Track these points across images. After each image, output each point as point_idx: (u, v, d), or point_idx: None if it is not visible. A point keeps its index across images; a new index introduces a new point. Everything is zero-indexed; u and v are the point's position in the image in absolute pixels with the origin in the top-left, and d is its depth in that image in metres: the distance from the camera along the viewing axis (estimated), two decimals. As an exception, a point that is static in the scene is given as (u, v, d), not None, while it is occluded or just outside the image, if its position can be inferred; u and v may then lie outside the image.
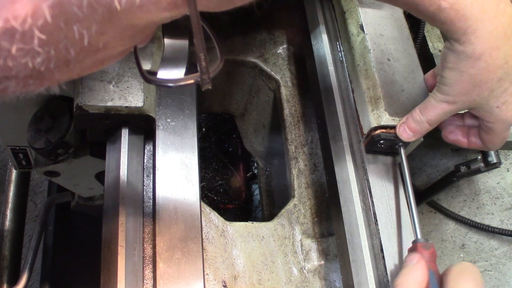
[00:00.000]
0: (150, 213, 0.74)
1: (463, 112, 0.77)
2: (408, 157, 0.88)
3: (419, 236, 0.68)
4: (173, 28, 0.44)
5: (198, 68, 0.37)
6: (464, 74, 0.64)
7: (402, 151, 0.75)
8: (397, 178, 0.78)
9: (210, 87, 0.38)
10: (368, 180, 0.77)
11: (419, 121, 0.71)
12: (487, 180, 1.08)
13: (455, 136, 0.76)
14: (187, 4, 0.31)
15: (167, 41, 0.49)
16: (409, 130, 0.72)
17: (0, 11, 0.28)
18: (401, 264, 0.71)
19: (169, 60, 0.48)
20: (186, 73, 0.44)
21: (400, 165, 0.76)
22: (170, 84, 0.45)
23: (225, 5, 0.35)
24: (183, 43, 0.49)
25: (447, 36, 0.64)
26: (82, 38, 0.31)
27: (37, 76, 0.33)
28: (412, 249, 0.67)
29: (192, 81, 0.40)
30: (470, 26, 0.61)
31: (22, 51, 0.30)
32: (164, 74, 0.47)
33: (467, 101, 0.67)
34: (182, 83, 0.42)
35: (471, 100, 0.66)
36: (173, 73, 0.47)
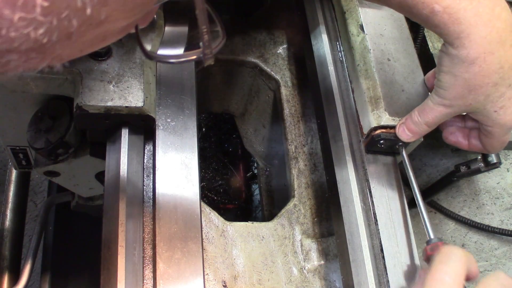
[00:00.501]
0: (150, 213, 0.74)
1: (464, 114, 0.77)
2: (408, 157, 0.88)
3: (432, 236, 0.67)
4: (174, 16, 0.44)
5: (201, 43, 0.36)
6: (458, 78, 0.63)
7: (404, 151, 0.75)
8: (397, 178, 0.79)
9: (212, 63, 0.38)
10: (368, 180, 0.77)
11: (418, 122, 0.71)
12: (487, 180, 1.08)
13: (456, 137, 0.76)
14: None
15: (168, 28, 0.48)
16: (408, 131, 0.72)
17: None
18: (401, 264, 0.71)
19: (168, 41, 0.48)
20: (187, 50, 0.43)
21: (403, 165, 0.76)
22: (172, 60, 0.45)
23: None
24: (183, 28, 0.49)
25: (443, 39, 0.64)
26: (85, 8, 0.31)
27: (39, 49, 0.32)
28: (433, 248, 0.66)
29: (194, 56, 0.40)
30: (463, 31, 0.60)
31: (24, 21, 0.29)
32: (164, 51, 0.47)
33: (463, 105, 0.66)
34: (184, 59, 0.42)
35: (467, 104, 0.66)
36: (173, 51, 0.47)
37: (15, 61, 0.32)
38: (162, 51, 0.47)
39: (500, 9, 0.62)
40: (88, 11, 0.31)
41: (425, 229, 0.69)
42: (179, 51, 0.47)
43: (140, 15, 0.38)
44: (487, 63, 0.61)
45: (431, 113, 0.69)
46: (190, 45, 0.48)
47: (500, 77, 0.63)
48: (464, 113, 0.74)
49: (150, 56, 0.45)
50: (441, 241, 0.66)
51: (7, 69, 0.33)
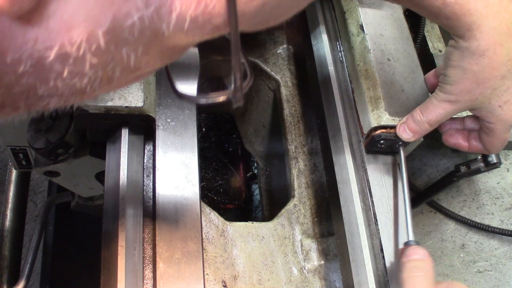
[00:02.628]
0: (150, 213, 0.74)
1: (463, 116, 0.77)
2: (408, 157, 0.88)
3: (411, 238, 0.68)
4: None
5: (233, 86, 0.37)
6: (467, 71, 0.64)
7: (402, 151, 0.75)
8: (397, 178, 0.78)
9: (241, 105, 0.39)
10: (368, 180, 0.77)
11: (420, 121, 0.71)
12: (487, 180, 1.08)
13: (456, 139, 0.76)
14: (229, 27, 0.33)
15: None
16: (409, 130, 0.72)
17: (56, 37, 0.29)
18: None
19: (180, 70, 0.48)
20: (214, 88, 0.44)
21: (399, 166, 0.76)
22: (202, 101, 0.46)
23: (259, 27, 0.36)
24: (193, 51, 0.49)
25: (451, 34, 0.64)
26: (129, 60, 0.32)
27: (80, 93, 0.34)
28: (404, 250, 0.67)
29: (225, 97, 0.41)
30: (474, 22, 0.61)
31: (72, 73, 0.31)
32: (178, 85, 0.47)
33: (469, 100, 0.67)
34: (215, 100, 0.42)
35: (473, 99, 0.66)
36: (187, 85, 0.48)
37: (55, 103, 0.34)
38: (177, 84, 0.47)
39: (508, 2, 0.63)
40: (132, 62, 0.33)
41: (406, 230, 0.70)
42: (193, 82, 0.48)
43: (175, 59, 0.39)
44: (497, 54, 0.62)
45: (434, 110, 0.69)
46: (214, 83, 0.48)
47: (507, 69, 0.64)
48: (464, 115, 0.74)
49: (181, 96, 0.46)
50: (417, 245, 0.67)
51: (45, 109, 0.34)
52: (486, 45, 0.62)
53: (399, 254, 0.69)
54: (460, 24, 0.62)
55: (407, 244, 0.68)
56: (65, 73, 0.30)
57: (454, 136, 0.76)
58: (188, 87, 0.47)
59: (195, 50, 0.48)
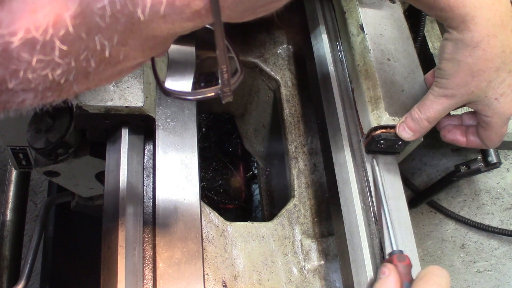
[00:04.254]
0: (150, 213, 0.74)
1: (461, 113, 0.77)
2: (408, 157, 0.88)
3: (394, 248, 0.68)
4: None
5: (220, 80, 0.36)
6: (462, 63, 0.64)
7: (376, 164, 0.76)
8: (397, 178, 0.78)
9: (231, 100, 0.37)
10: (368, 180, 0.77)
11: (418, 119, 0.71)
12: (487, 180, 1.08)
13: (453, 135, 0.76)
14: (211, 14, 0.31)
15: (172, 46, 0.47)
16: (409, 129, 0.72)
17: (20, 20, 0.27)
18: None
19: (176, 68, 0.47)
20: (204, 84, 0.43)
21: (403, 165, 0.76)
22: (189, 97, 0.44)
23: (247, 16, 0.34)
24: (190, 49, 0.47)
25: (446, 26, 0.64)
26: (104, 49, 0.30)
27: (56, 88, 0.32)
28: (388, 261, 0.67)
29: (212, 93, 0.39)
30: (468, 13, 0.61)
31: (42, 63, 0.29)
32: (173, 84, 0.46)
33: (465, 94, 0.66)
34: (202, 96, 0.40)
35: (469, 92, 0.66)
36: (182, 83, 0.46)
37: (31, 100, 0.32)
38: (171, 83, 0.45)
39: None
40: (107, 52, 0.31)
41: (389, 241, 0.70)
42: (188, 80, 0.46)
43: (159, 52, 0.37)
44: (491, 46, 0.62)
45: (432, 107, 0.69)
46: (202, 78, 0.47)
47: (502, 61, 0.64)
48: (461, 112, 0.74)
49: (168, 93, 0.44)
50: (401, 254, 0.67)
51: (23, 107, 0.32)
52: (480, 37, 0.62)
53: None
54: (454, 15, 0.62)
55: (391, 254, 0.67)
56: (34, 62, 0.28)
57: (452, 131, 0.76)
58: (183, 84, 0.46)
59: (192, 49, 0.48)
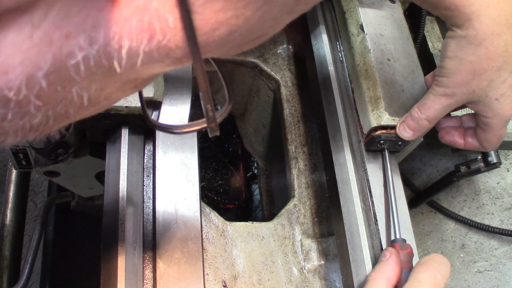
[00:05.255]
0: (150, 213, 0.74)
1: (460, 115, 0.77)
2: (408, 157, 0.88)
3: (397, 236, 0.69)
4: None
5: (205, 118, 0.36)
6: (464, 62, 0.64)
7: (387, 153, 0.75)
8: (397, 178, 0.78)
9: (217, 134, 0.37)
10: (368, 180, 0.77)
11: (418, 118, 0.71)
12: (487, 180, 1.08)
13: (451, 136, 0.76)
14: (192, 60, 0.30)
15: (169, 83, 0.47)
16: (409, 128, 0.72)
17: None
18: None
19: (172, 98, 0.46)
20: (192, 115, 0.43)
21: (403, 165, 0.76)
22: (176, 131, 0.44)
23: (233, 53, 0.34)
24: (187, 74, 0.47)
25: (449, 24, 0.64)
26: (81, 98, 0.30)
27: (36, 130, 0.31)
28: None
29: (199, 127, 0.39)
30: (474, 12, 0.61)
31: (18, 115, 0.29)
32: (167, 116, 0.46)
33: (466, 93, 0.66)
34: (188, 129, 0.40)
35: (470, 91, 0.66)
36: (177, 115, 0.46)
37: (11, 139, 0.31)
38: (166, 114, 0.45)
39: None
40: (85, 100, 0.30)
41: (392, 229, 0.71)
42: (185, 111, 0.46)
43: (141, 88, 0.37)
44: (494, 45, 0.62)
45: (432, 106, 0.69)
46: (195, 113, 0.46)
47: (504, 61, 0.64)
48: (462, 109, 0.73)
49: (154, 125, 0.44)
50: (404, 242, 0.68)
51: (4, 145, 0.32)
52: (484, 35, 0.62)
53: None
54: (459, 14, 0.62)
55: (394, 242, 0.69)
56: (9, 116, 0.28)
57: (450, 133, 0.76)
58: (180, 111, 0.46)
59: (188, 74, 0.47)
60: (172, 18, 0.27)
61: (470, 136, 0.74)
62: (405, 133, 0.73)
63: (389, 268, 0.64)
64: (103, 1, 0.26)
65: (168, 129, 0.44)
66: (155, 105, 0.72)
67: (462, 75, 0.65)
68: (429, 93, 0.70)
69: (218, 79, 0.38)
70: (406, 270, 0.64)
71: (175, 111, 0.45)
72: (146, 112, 0.45)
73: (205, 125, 0.37)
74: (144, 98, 0.70)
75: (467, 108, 0.73)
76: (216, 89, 0.35)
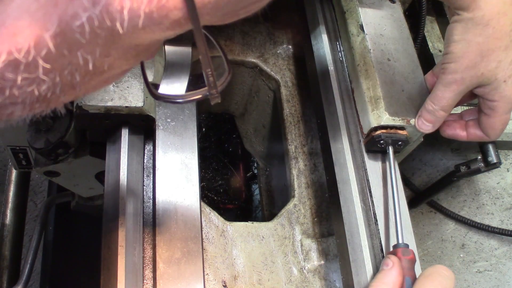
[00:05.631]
0: (150, 213, 0.74)
1: (460, 112, 0.77)
2: (408, 157, 0.88)
3: (400, 241, 0.68)
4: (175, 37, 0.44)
5: (206, 83, 0.36)
6: (471, 43, 0.64)
7: (391, 151, 0.75)
8: (397, 178, 0.78)
9: (219, 101, 0.38)
10: (368, 180, 0.77)
11: (433, 110, 0.71)
12: (487, 180, 1.08)
13: (453, 129, 0.76)
14: (191, 22, 0.31)
15: (168, 48, 0.47)
16: (427, 122, 0.73)
17: (2, 44, 0.28)
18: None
19: (172, 70, 0.47)
20: (194, 86, 0.43)
21: (403, 165, 0.76)
22: (179, 100, 0.44)
23: (228, 19, 0.34)
24: (186, 50, 0.47)
25: (454, 8, 0.65)
26: (87, 63, 0.31)
27: (43, 100, 0.32)
28: (392, 254, 0.67)
29: (200, 95, 0.40)
30: None
31: (27, 80, 0.30)
32: (167, 87, 0.46)
33: (475, 76, 0.66)
34: (191, 98, 0.41)
35: (478, 74, 0.66)
36: (176, 86, 0.46)
37: (19, 111, 0.32)
38: (164, 87, 0.46)
39: None
40: (91, 65, 0.31)
41: (395, 233, 0.70)
42: (183, 83, 0.46)
43: (144, 58, 0.38)
44: (501, 24, 0.63)
45: (443, 96, 0.69)
46: (195, 79, 0.47)
47: (511, 40, 0.64)
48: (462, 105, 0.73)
49: (157, 96, 0.45)
50: (406, 247, 0.67)
51: (12, 118, 0.33)
52: (491, 15, 0.62)
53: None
54: None
55: (396, 247, 0.67)
56: (19, 81, 0.29)
57: (452, 126, 0.76)
58: (178, 87, 0.46)
59: (188, 49, 0.47)
60: None
61: (472, 127, 0.74)
62: (425, 126, 0.73)
63: (392, 278, 0.63)
64: None
65: (171, 99, 0.45)
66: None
67: (470, 57, 0.65)
68: (438, 84, 0.70)
69: (216, 61, 0.39)
70: (408, 277, 0.63)
71: (173, 84, 0.46)
72: (149, 83, 0.46)
73: (207, 92, 0.37)
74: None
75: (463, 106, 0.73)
76: (215, 67, 0.36)
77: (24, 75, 0.29)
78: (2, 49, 0.28)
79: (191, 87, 0.44)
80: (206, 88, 0.37)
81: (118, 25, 0.29)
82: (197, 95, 0.40)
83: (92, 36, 0.29)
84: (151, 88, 0.45)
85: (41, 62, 0.29)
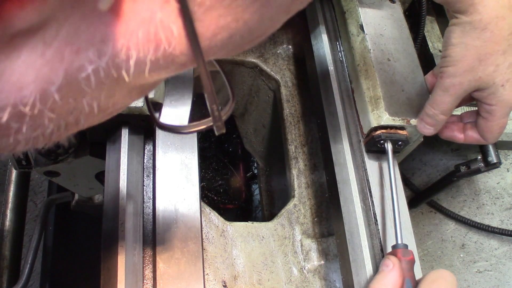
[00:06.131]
0: (150, 213, 0.74)
1: (459, 114, 0.77)
2: (408, 157, 0.88)
3: (399, 241, 0.67)
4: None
5: (211, 117, 0.37)
6: (469, 47, 0.64)
7: (390, 149, 0.75)
8: (397, 178, 0.78)
9: (224, 132, 0.38)
10: (368, 180, 0.77)
11: (433, 115, 0.72)
12: (487, 180, 1.08)
13: (451, 131, 0.76)
14: (197, 65, 0.31)
15: (170, 85, 0.48)
16: (428, 125, 0.73)
17: (7, 98, 0.28)
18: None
19: (173, 97, 0.47)
20: (196, 115, 0.44)
21: (403, 165, 0.76)
22: (183, 131, 0.45)
23: (234, 53, 0.35)
24: (188, 75, 0.48)
25: (453, 11, 0.65)
26: (92, 108, 0.32)
27: (47, 139, 0.33)
28: (392, 255, 0.67)
29: (205, 126, 0.40)
30: None
31: (32, 127, 0.30)
32: (171, 117, 0.47)
33: (473, 80, 0.66)
34: (195, 129, 0.41)
35: (476, 78, 0.66)
36: (180, 114, 0.47)
37: (22, 147, 0.33)
38: (168, 115, 0.46)
39: None
40: (96, 109, 0.32)
41: (394, 233, 0.69)
42: (186, 111, 0.47)
43: (147, 93, 0.38)
44: (499, 28, 0.63)
45: (442, 100, 0.70)
46: (198, 106, 0.47)
47: (509, 44, 0.64)
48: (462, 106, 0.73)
49: (161, 126, 0.46)
50: (406, 248, 0.67)
51: (14, 152, 0.34)
52: (488, 19, 0.62)
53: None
54: None
55: (395, 247, 0.67)
56: (24, 129, 0.30)
57: (450, 128, 0.76)
58: (182, 114, 0.46)
59: (189, 74, 0.48)
60: (176, 27, 0.28)
61: (470, 130, 0.74)
62: (426, 130, 0.74)
63: (392, 280, 0.62)
64: (110, 16, 0.27)
65: (175, 130, 0.46)
66: (156, 106, 0.72)
67: (468, 61, 0.65)
68: (436, 88, 0.70)
69: (218, 78, 0.39)
70: (408, 278, 0.63)
71: (176, 112, 0.46)
72: (153, 113, 0.47)
73: (211, 124, 0.38)
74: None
75: (465, 107, 0.73)
76: (217, 88, 0.36)
77: (29, 124, 0.30)
78: (8, 102, 0.28)
79: (194, 115, 0.44)
80: (210, 119, 0.38)
81: (124, 73, 0.30)
82: (202, 126, 0.40)
83: (98, 84, 0.30)
84: (157, 120, 0.46)
85: (46, 112, 0.29)
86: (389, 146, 0.75)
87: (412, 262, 0.65)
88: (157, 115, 0.51)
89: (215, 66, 0.44)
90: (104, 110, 0.34)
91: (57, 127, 0.31)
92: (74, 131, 0.35)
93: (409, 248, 0.68)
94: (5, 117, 0.28)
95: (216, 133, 0.38)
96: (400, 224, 0.69)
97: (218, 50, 0.32)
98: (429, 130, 0.74)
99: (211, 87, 0.33)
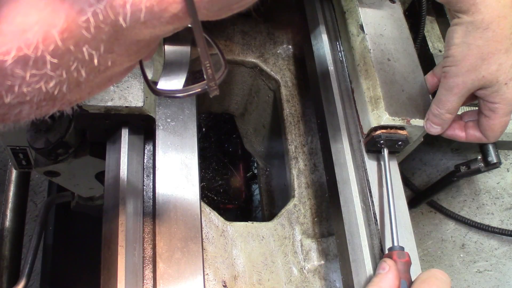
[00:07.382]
0: (150, 213, 0.74)
1: (460, 113, 0.77)
2: (408, 157, 0.88)
3: (395, 243, 0.68)
4: (174, 34, 0.45)
5: (205, 76, 0.38)
6: (471, 46, 0.64)
7: (385, 153, 0.75)
8: (397, 178, 0.78)
9: (217, 93, 0.39)
10: (368, 180, 0.77)
11: (439, 114, 0.72)
12: (487, 180, 1.08)
13: (452, 130, 0.76)
14: (189, 16, 0.33)
15: (167, 47, 0.49)
16: (435, 125, 0.74)
17: (12, 41, 0.29)
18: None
19: (171, 68, 0.48)
20: (191, 82, 0.44)
21: (403, 165, 0.76)
22: (178, 95, 0.46)
23: (223, 13, 0.36)
24: (185, 49, 0.49)
25: (454, 11, 0.65)
26: (92, 58, 0.33)
27: (50, 99, 0.34)
28: (388, 257, 0.67)
29: (199, 89, 0.41)
30: None
31: (35, 77, 0.31)
32: (166, 83, 0.48)
33: (476, 79, 0.67)
34: (190, 92, 0.43)
35: (479, 77, 0.66)
36: (175, 82, 0.48)
37: (27, 111, 0.34)
38: (163, 83, 0.47)
39: None
40: (95, 61, 0.33)
41: (391, 235, 0.69)
42: (181, 79, 0.48)
43: (144, 55, 0.39)
44: (501, 27, 0.63)
45: (447, 100, 0.70)
46: (193, 75, 0.48)
47: (511, 43, 0.64)
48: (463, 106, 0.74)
49: (157, 92, 0.47)
50: (402, 250, 0.67)
51: (19, 118, 0.35)
52: (490, 18, 0.63)
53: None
54: None
55: (391, 249, 0.67)
56: (28, 77, 0.31)
57: (451, 126, 0.76)
58: (176, 83, 0.47)
59: (187, 48, 0.49)
60: None
61: (471, 128, 0.75)
62: (433, 129, 0.74)
63: (388, 282, 0.63)
64: None
65: (171, 94, 0.47)
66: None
67: (471, 60, 0.65)
68: (440, 88, 0.71)
69: (213, 58, 0.40)
70: (404, 280, 0.63)
71: (171, 79, 0.47)
72: (148, 79, 0.48)
73: (205, 85, 0.39)
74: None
75: (465, 107, 0.73)
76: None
77: (32, 71, 0.31)
78: (12, 46, 0.29)
79: (189, 82, 0.45)
80: (204, 81, 0.39)
81: (121, 19, 0.31)
82: (196, 89, 0.42)
83: (97, 31, 0.31)
84: (151, 84, 0.46)
85: (48, 57, 0.30)
86: (385, 151, 0.75)
87: (408, 264, 0.66)
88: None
89: (206, 37, 0.45)
90: (103, 68, 0.35)
91: (60, 81, 0.32)
92: (76, 94, 0.35)
93: (409, 248, 0.68)
94: (10, 60, 0.29)
95: (211, 95, 0.39)
96: (397, 226, 0.69)
97: (208, 4, 0.33)
98: (436, 130, 0.74)
99: (204, 42, 0.34)
